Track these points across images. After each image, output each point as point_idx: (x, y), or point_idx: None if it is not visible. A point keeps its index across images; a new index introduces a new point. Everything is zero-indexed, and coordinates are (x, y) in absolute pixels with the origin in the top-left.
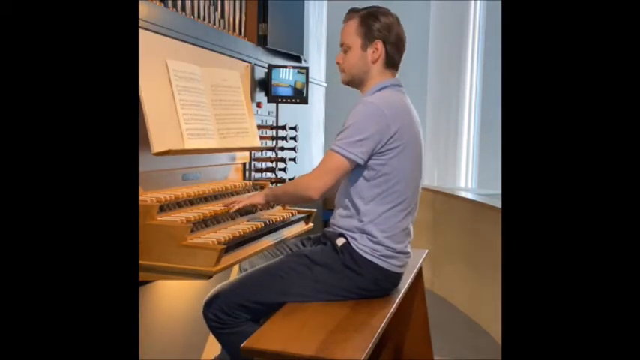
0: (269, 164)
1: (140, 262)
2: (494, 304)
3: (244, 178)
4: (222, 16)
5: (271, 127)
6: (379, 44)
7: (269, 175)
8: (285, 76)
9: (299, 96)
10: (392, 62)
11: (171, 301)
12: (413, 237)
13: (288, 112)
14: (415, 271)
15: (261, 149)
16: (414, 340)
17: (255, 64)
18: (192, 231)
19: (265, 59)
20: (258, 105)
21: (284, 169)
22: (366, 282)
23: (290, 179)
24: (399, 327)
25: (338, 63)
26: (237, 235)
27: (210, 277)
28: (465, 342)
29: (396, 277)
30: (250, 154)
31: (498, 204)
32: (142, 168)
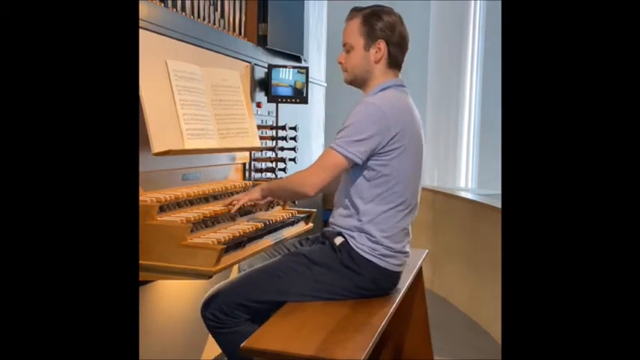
0: (269, 164)
1: (140, 262)
2: (495, 304)
3: (244, 178)
4: (222, 16)
5: (271, 127)
6: (382, 44)
7: (269, 175)
8: (285, 76)
9: (299, 96)
10: (395, 62)
11: (171, 301)
12: (412, 237)
13: (288, 112)
14: (415, 270)
15: (261, 149)
16: (414, 340)
17: (255, 64)
18: (192, 231)
19: (265, 59)
20: (258, 105)
21: (284, 169)
22: (364, 281)
23: None
24: (399, 327)
25: (340, 63)
26: (237, 235)
27: (210, 277)
28: (465, 342)
29: (395, 277)
30: (250, 154)
31: (498, 204)
32: (142, 168)
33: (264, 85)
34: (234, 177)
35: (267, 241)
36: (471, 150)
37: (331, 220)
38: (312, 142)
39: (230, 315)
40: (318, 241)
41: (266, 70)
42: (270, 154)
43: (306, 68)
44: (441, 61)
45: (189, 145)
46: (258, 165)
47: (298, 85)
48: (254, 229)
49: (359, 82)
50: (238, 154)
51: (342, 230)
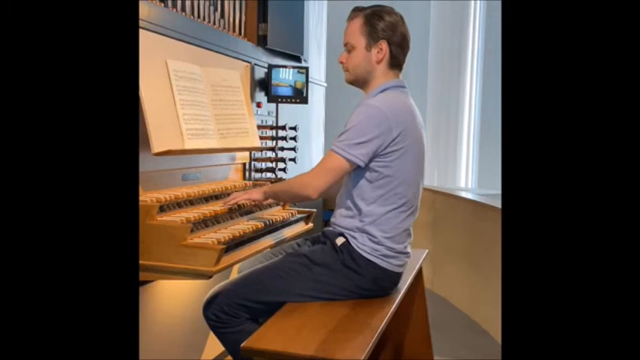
0: (269, 164)
1: (140, 262)
2: (495, 304)
3: (244, 178)
4: (222, 16)
5: (271, 127)
6: (384, 44)
7: (269, 175)
8: (285, 76)
9: (299, 96)
10: (396, 62)
11: (171, 301)
12: (412, 237)
13: (288, 112)
14: (415, 271)
15: (261, 149)
16: (414, 340)
17: (255, 64)
18: (192, 231)
19: (265, 59)
20: (258, 105)
21: (284, 169)
22: (365, 281)
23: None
24: (399, 327)
25: (341, 62)
26: (237, 235)
27: (210, 277)
28: (465, 342)
29: (396, 277)
30: (250, 154)
31: (498, 204)
32: (142, 168)
33: (264, 85)
34: (234, 177)
35: (268, 240)
36: (471, 150)
37: (332, 220)
38: (312, 142)
39: (231, 315)
40: (319, 241)
41: (266, 70)
42: (270, 154)
43: (306, 68)
44: (441, 61)
45: (189, 145)
46: (258, 165)
47: (298, 85)
48: (254, 229)
49: (360, 82)
50: (238, 154)
51: (344, 230)
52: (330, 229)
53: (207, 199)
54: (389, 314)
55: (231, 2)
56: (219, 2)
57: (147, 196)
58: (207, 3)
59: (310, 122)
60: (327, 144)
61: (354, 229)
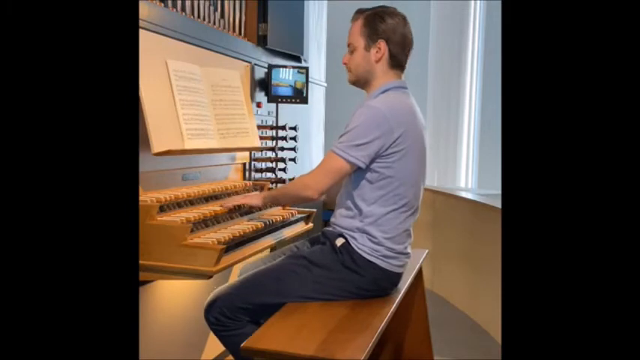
0: (269, 164)
1: (140, 262)
2: (495, 304)
3: (244, 178)
4: (222, 16)
5: (271, 127)
6: (382, 44)
7: (269, 175)
8: (285, 76)
9: (299, 96)
10: (397, 62)
11: (171, 301)
12: (412, 237)
13: (288, 112)
14: (415, 271)
15: (261, 149)
16: (414, 340)
17: (255, 64)
18: (192, 231)
19: (265, 59)
20: (258, 105)
21: (284, 169)
22: (365, 282)
23: (290, 179)
24: (399, 327)
25: (344, 63)
26: (237, 235)
27: (210, 277)
28: (465, 342)
29: (396, 277)
30: (250, 154)
31: (498, 204)
32: (142, 168)
33: (264, 85)
34: (234, 177)
35: (268, 240)
36: (471, 150)
37: (332, 220)
38: (312, 142)
39: (232, 318)
40: (319, 242)
41: (266, 70)
42: (270, 154)
43: (306, 68)
44: (441, 61)
45: (189, 145)
46: (258, 165)
47: (298, 85)
48: (254, 229)
49: (361, 82)
50: (238, 154)
51: (344, 231)
52: (330, 229)
53: (207, 199)
54: (389, 314)
55: (231, 2)
56: (219, 2)
57: (147, 196)
58: (207, 3)
59: (310, 122)
60: (327, 144)
61: (354, 229)
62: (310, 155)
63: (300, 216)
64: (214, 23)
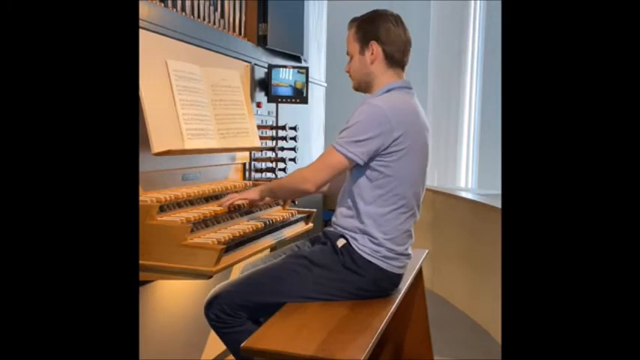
0: (269, 164)
1: (140, 262)
2: (495, 304)
3: (244, 178)
4: (222, 16)
5: (271, 127)
6: (374, 45)
7: (269, 175)
8: (285, 76)
9: (299, 96)
10: (393, 61)
11: (171, 301)
12: (414, 238)
13: (288, 112)
14: (415, 271)
15: (261, 149)
16: (414, 340)
17: (255, 64)
18: (192, 231)
19: (265, 59)
20: (258, 105)
21: (284, 169)
22: (366, 283)
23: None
24: (399, 327)
25: (347, 72)
26: (237, 235)
27: (210, 277)
28: (465, 342)
29: (396, 278)
30: (250, 154)
31: (498, 204)
32: (142, 168)
33: (264, 85)
34: (234, 177)
35: (268, 240)
36: (471, 150)
37: (334, 220)
38: (312, 142)
39: (232, 315)
40: (319, 241)
41: (266, 70)
42: (270, 154)
43: (306, 68)
44: (441, 61)
45: (189, 145)
46: (258, 165)
47: (298, 85)
48: (254, 229)
49: (363, 86)
50: (238, 154)
51: (344, 232)
52: (331, 229)
53: (207, 199)
54: (389, 314)
55: (231, 2)
56: (219, 2)
57: (147, 196)
58: (207, 3)
59: (310, 122)
60: (327, 144)
61: (355, 230)
62: (310, 155)
63: (300, 216)
64: (214, 23)
